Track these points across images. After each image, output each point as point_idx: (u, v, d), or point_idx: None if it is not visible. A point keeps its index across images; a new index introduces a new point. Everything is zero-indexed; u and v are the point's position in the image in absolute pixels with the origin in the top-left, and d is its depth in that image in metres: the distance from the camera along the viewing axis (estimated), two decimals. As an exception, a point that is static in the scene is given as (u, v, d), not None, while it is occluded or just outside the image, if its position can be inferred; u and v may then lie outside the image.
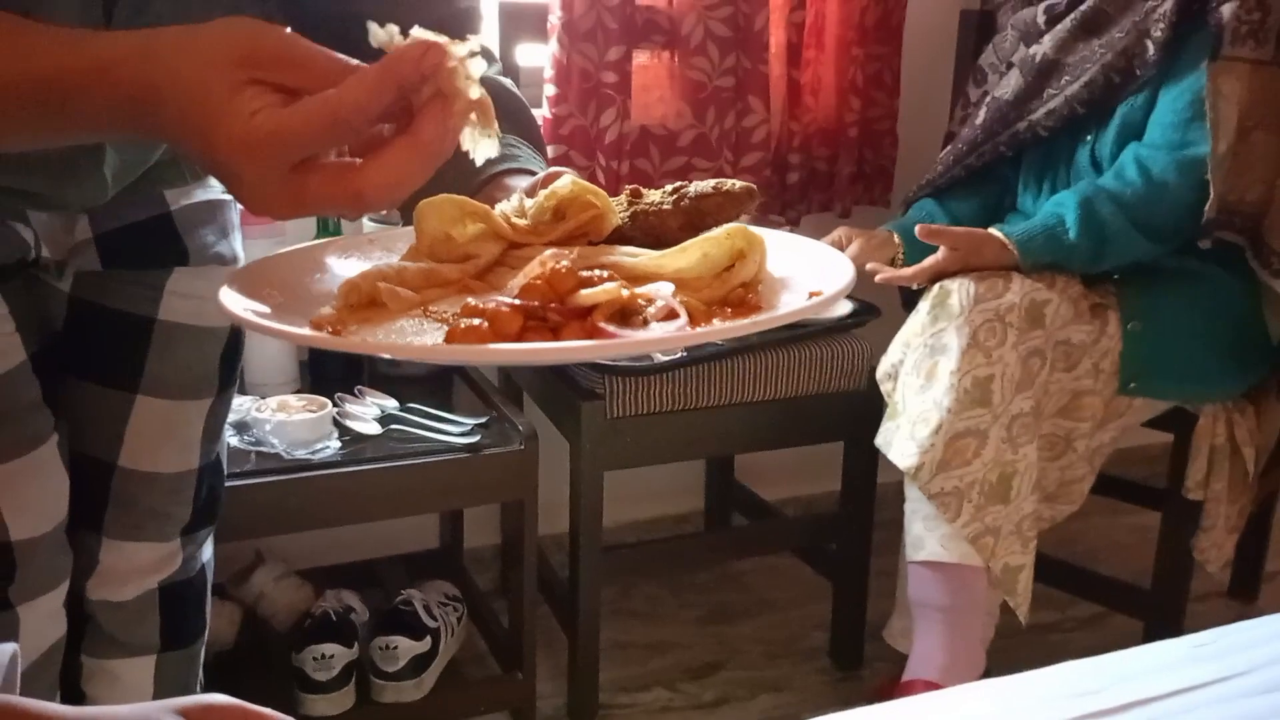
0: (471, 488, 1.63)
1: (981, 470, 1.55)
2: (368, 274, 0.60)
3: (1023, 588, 1.59)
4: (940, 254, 1.64)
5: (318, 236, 1.78)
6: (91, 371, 1.07)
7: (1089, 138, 1.74)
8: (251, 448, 1.54)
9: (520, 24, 1.92)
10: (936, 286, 1.61)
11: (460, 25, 0.88)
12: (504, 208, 0.64)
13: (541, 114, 1.91)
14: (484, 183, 0.76)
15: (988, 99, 1.84)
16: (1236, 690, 0.92)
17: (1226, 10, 1.60)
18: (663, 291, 0.55)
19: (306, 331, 0.56)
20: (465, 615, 1.88)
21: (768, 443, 1.86)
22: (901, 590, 1.73)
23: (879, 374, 1.68)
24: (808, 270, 0.61)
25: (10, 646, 0.71)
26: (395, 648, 1.68)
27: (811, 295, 0.57)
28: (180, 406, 1.10)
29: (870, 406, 1.73)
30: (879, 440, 1.65)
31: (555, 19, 1.86)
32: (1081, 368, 1.63)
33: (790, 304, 0.58)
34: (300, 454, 1.53)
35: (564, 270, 0.55)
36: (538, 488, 1.64)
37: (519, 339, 0.53)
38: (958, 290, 1.58)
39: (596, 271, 0.56)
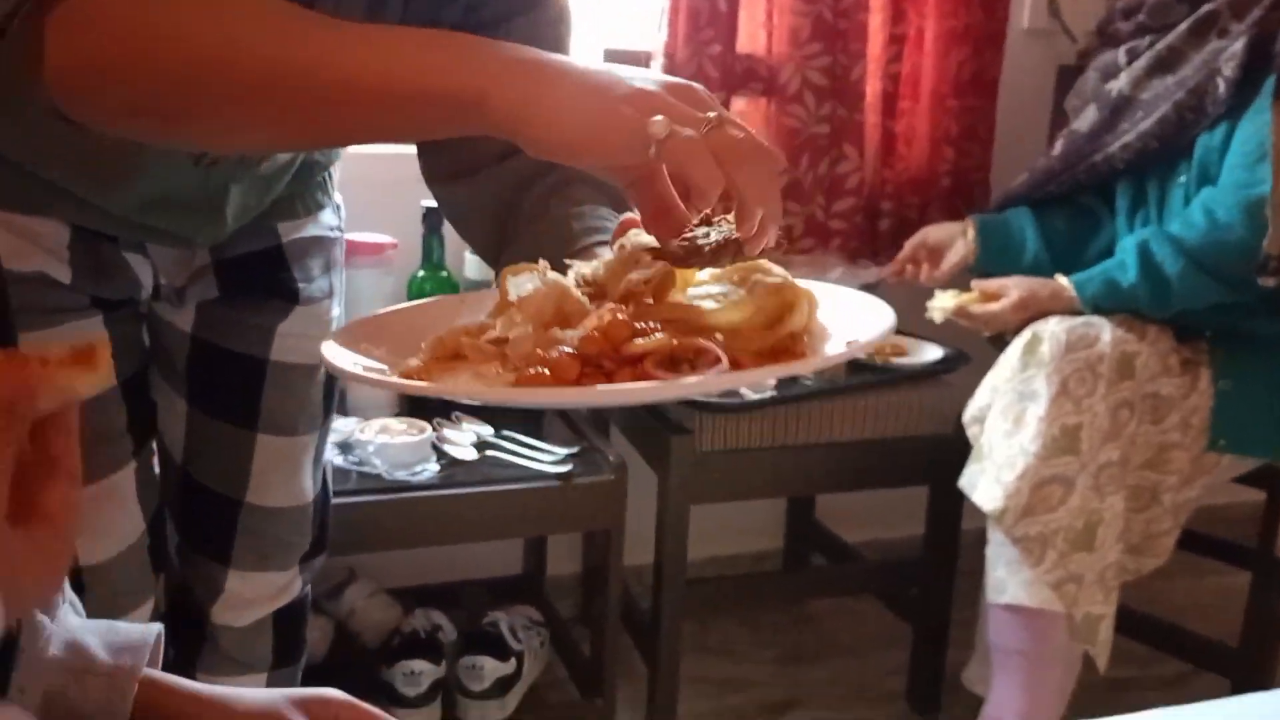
0: (562, 515, 1.67)
1: (1067, 517, 1.56)
2: (454, 329, 0.65)
3: (1103, 637, 1.59)
4: (1003, 303, 1.69)
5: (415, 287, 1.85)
6: (216, 409, 1.12)
7: (1182, 179, 1.75)
8: (354, 467, 1.61)
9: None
10: (1028, 332, 1.63)
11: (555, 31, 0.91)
12: (581, 269, 0.68)
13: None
14: (577, 254, 0.79)
15: (1064, 131, 1.87)
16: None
17: None
18: (709, 342, 0.59)
19: (396, 379, 0.63)
20: (548, 640, 1.92)
21: (852, 483, 1.89)
22: (981, 634, 1.74)
23: (966, 417, 1.70)
24: (856, 319, 0.66)
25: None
26: (481, 668, 1.73)
27: (849, 344, 0.62)
28: (296, 442, 1.16)
29: (956, 452, 1.75)
30: (963, 482, 1.66)
31: (657, 66, 1.93)
32: (1169, 421, 1.63)
33: (828, 350, 0.62)
34: (400, 475, 1.60)
35: (620, 322, 0.59)
36: (625, 518, 1.68)
37: (577, 384, 0.58)
38: (1049, 338, 1.60)
39: (651, 322, 0.60)
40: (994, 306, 1.71)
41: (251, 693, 0.78)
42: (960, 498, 1.71)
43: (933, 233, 1.90)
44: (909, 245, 1.92)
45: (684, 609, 1.81)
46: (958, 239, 1.87)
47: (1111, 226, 1.86)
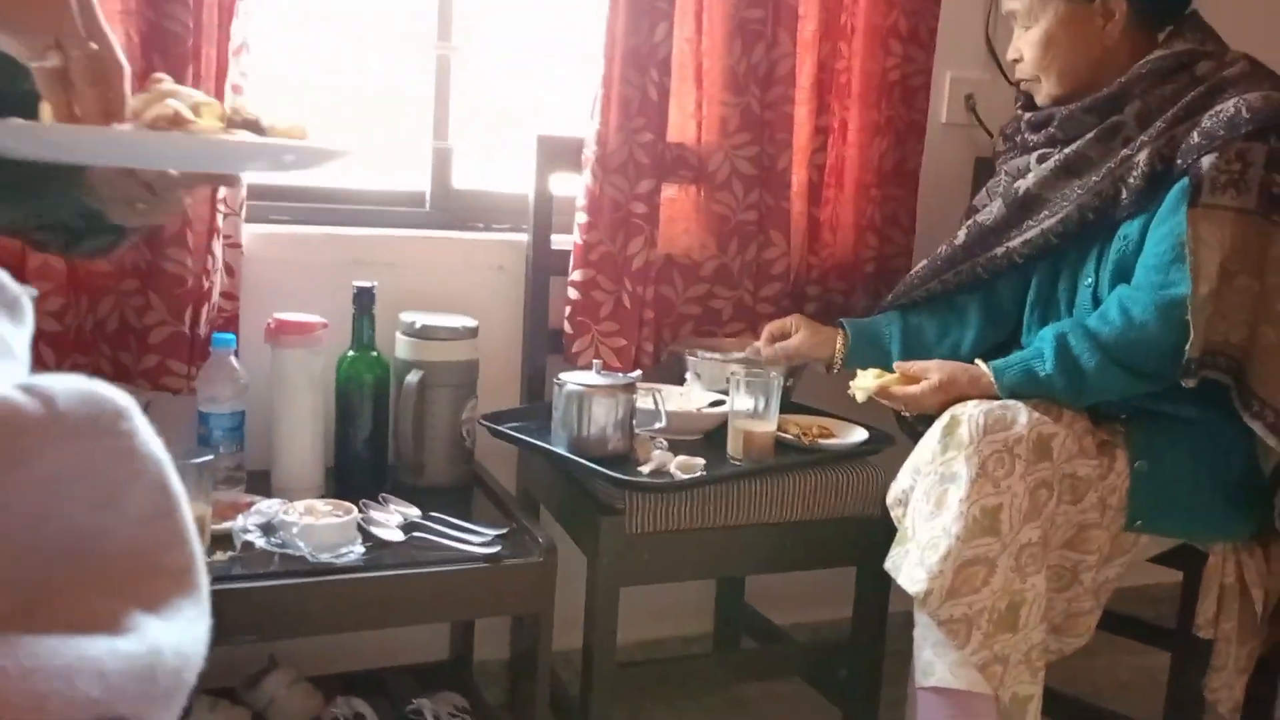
0: (491, 598, 1.65)
1: (990, 598, 1.58)
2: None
3: (1031, 718, 1.60)
4: (924, 385, 1.75)
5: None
6: None
7: (1089, 281, 1.82)
8: (278, 549, 1.58)
9: (557, 156, 2.03)
10: (947, 415, 1.66)
11: None
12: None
13: (573, 239, 2.01)
14: None
15: (969, 222, 1.94)
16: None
17: (1206, 162, 1.65)
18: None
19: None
20: (475, 729, 1.89)
21: (781, 564, 1.89)
22: (910, 716, 1.74)
23: (889, 499, 1.73)
24: None
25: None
26: (406, 756, 1.69)
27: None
28: None
29: (882, 534, 1.76)
30: (888, 565, 1.68)
31: (590, 153, 1.97)
32: (1087, 501, 1.67)
33: None
34: (325, 557, 1.57)
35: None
36: (554, 601, 1.67)
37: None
38: (966, 421, 1.63)
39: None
40: (914, 389, 1.75)
41: None
42: (887, 578, 1.73)
43: (795, 340, 1.98)
44: (770, 327, 2.01)
45: (613, 695, 1.79)
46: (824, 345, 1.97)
47: (966, 331, 1.99)
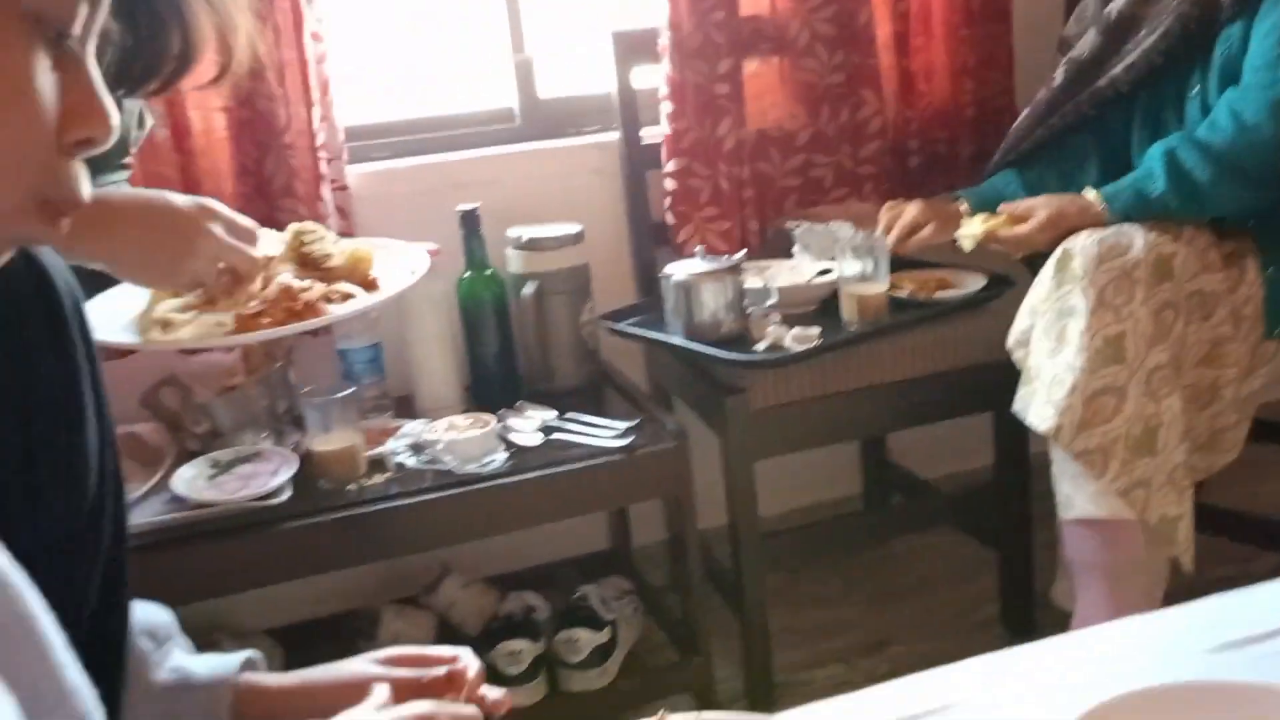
0: (629, 486, 1.74)
1: (1124, 425, 1.57)
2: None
3: (1183, 537, 1.59)
4: (1031, 223, 1.69)
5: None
6: None
7: (1195, 90, 1.73)
8: (427, 466, 1.69)
9: (634, 49, 2.04)
10: (1060, 250, 1.63)
11: None
12: None
13: (662, 130, 2.02)
14: None
15: (1065, 60, 1.86)
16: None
17: None
18: None
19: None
20: (640, 608, 1.99)
21: (910, 420, 1.91)
22: (1063, 552, 1.75)
23: (1010, 342, 1.71)
24: None
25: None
26: (577, 640, 1.81)
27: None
28: None
29: (1015, 376, 1.74)
30: (1016, 407, 1.68)
31: (665, 40, 1.97)
32: (1218, 315, 1.62)
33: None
34: (471, 468, 1.67)
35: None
36: (692, 482, 1.74)
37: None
38: (1079, 252, 1.60)
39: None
40: (1022, 228, 1.71)
41: (337, 667, 0.85)
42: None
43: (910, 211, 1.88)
44: (899, 227, 1.88)
45: (766, 561, 1.86)
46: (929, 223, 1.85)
47: (1088, 174, 1.86)
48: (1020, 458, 1.92)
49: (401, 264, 1.50)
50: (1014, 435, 1.90)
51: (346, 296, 1.41)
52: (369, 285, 1.45)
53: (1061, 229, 1.67)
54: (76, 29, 0.47)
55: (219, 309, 1.30)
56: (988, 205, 1.85)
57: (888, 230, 1.88)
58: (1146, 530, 1.60)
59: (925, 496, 2.24)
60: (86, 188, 0.52)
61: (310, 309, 1.34)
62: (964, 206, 1.87)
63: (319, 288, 1.38)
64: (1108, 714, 0.84)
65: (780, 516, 2.26)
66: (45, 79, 0.47)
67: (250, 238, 1.26)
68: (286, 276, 1.37)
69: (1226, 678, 0.88)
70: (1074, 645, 1.00)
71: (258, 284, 1.32)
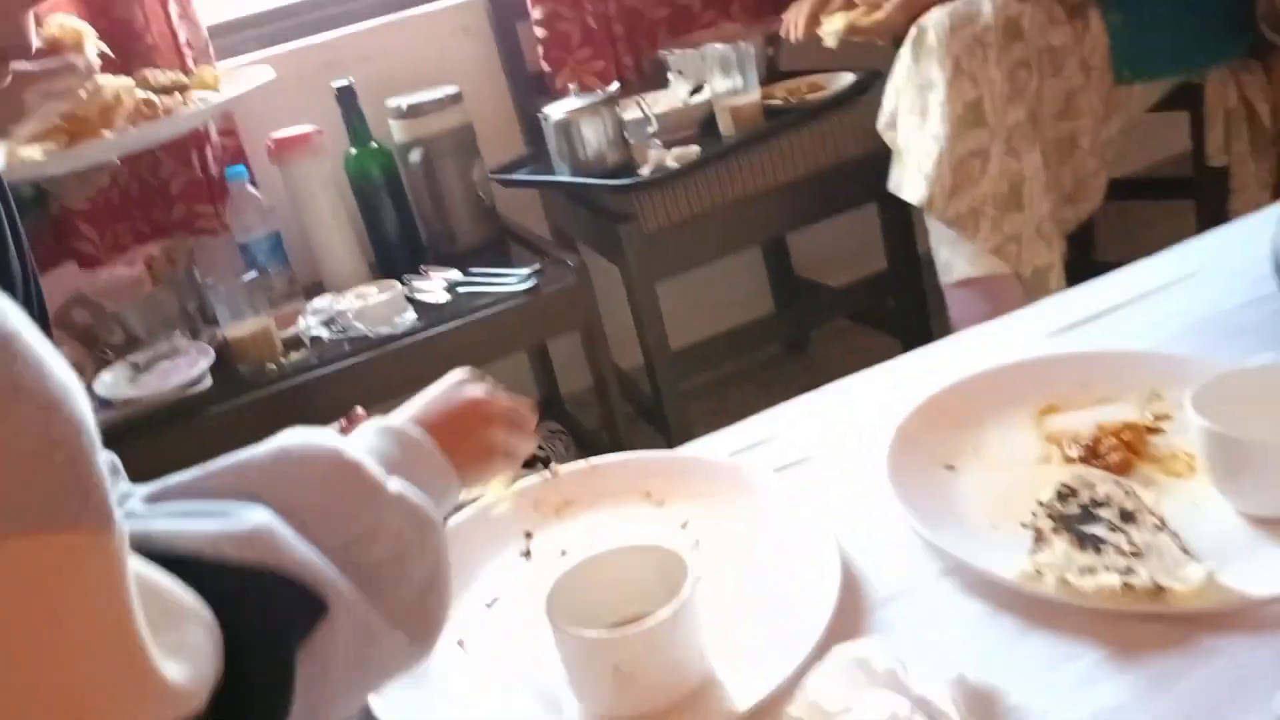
0: (538, 324, 1.80)
1: (990, 185, 1.64)
2: None
3: (1054, 286, 1.68)
4: (887, 7, 1.74)
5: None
6: None
7: None
8: (341, 336, 1.74)
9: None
10: (914, 28, 1.68)
11: None
12: None
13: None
14: None
15: None
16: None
17: None
18: None
19: None
20: (572, 446, 2.07)
21: (797, 221, 1.97)
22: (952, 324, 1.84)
23: (880, 125, 1.77)
24: None
25: None
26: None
27: None
28: None
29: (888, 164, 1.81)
30: (890, 185, 1.74)
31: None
32: (1069, 68, 1.69)
33: None
34: (384, 330, 1.73)
35: None
36: (599, 315, 1.80)
37: None
38: (933, 26, 1.64)
39: None
40: (879, 14, 1.76)
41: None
42: (909, 208, 1.79)
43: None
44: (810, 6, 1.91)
45: (681, 380, 1.93)
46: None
47: None
48: (909, 244, 2.00)
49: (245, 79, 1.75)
50: (900, 221, 1.97)
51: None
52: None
53: (918, 7, 1.71)
54: None
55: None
56: None
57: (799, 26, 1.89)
58: (1023, 283, 1.68)
59: (828, 296, 2.31)
60: (34, 40, 0.60)
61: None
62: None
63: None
64: (950, 393, 0.92)
65: (706, 343, 2.33)
66: None
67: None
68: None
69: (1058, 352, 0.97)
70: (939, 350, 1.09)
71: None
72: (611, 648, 0.68)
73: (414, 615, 0.60)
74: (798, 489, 0.87)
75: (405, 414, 0.76)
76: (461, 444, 0.73)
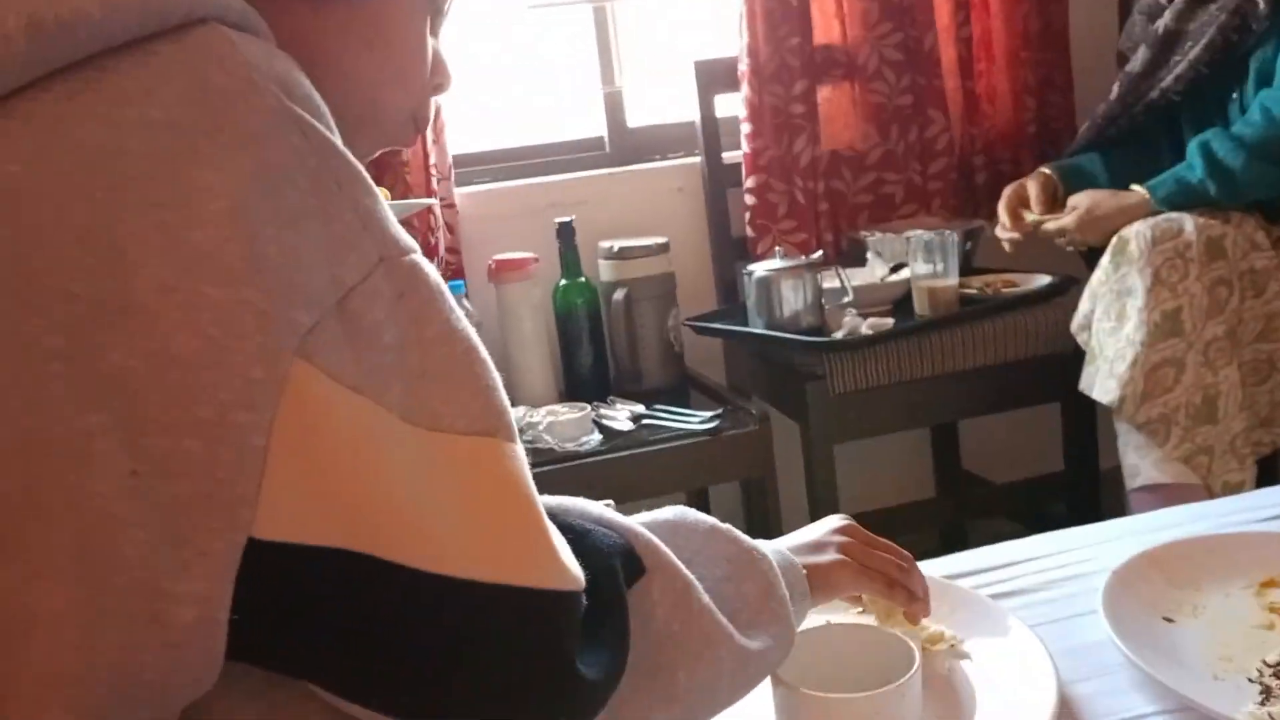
0: (716, 465, 1.86)
1: (1184, 394, 1.66)
2: None
3: (1244, 503, 1.66)
4: (1070, 214, 1.85)
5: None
6: None
7: (1235, 95, 1.85)
8: (529, 445, 1.83)
9: (715, 78, 2.22)
10: (1115, 237, 1.75)
11: None
12: None
13: (742, 151, 2.19)
14: None
15: (1120, 75, 2.00)
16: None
17: None
18: None
19: None
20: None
21: (984, 408, 2.00)
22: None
23: (1074, 327, 1.82)
24: None
25: None
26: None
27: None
28: None
29: (1079, 368, 1.84)
30: (1082, 384, 1.77)
31: (744, 67, 2.14)
32: (1270, 291, 1.72)
33: None
34: (569, 446, 1.81)
35: None
36: (774, 464, 1.85)
37: None
38: (1134, 237, 1.71)
39: None
40: (1065, 218, 1.85)
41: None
42: (1091, 412, 1.81)
43: (1017, 187, 2.03)
44: (1006, 201, 2.03)
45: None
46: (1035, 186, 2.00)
47: (1169, 157, 1.96)
48: (1088, 448, 2.01)
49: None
50: (1081, 425, 1.99)
51: None
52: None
53: (1096, 216, 1.81)
54: (447, 9, 0.69)
55: None
56: (1071, 178, 2.00)
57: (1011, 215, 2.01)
58: (1210, 496, 1.67)
59: (991, 490, 2.31)
60: (431, 114, 0.74)
61: None
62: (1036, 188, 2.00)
63: None
64: (1168, 550, 0.94)
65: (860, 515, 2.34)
66: (429, 41, 0.68)
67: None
68: None
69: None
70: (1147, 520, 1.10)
71: None
72: (833, 710, 0.70)
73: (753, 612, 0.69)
74: (1015, 611, 0.89)
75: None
76: (814, 553, 0.78)
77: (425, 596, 0.50)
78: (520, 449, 0.55)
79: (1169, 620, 0.87)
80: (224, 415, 0.46)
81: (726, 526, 0.73)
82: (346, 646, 0.50)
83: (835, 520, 0.85)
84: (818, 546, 0.80)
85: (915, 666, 0.71)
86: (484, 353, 0.54)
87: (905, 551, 0.84)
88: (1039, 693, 0.77)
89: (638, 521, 0.68)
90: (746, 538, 0.73)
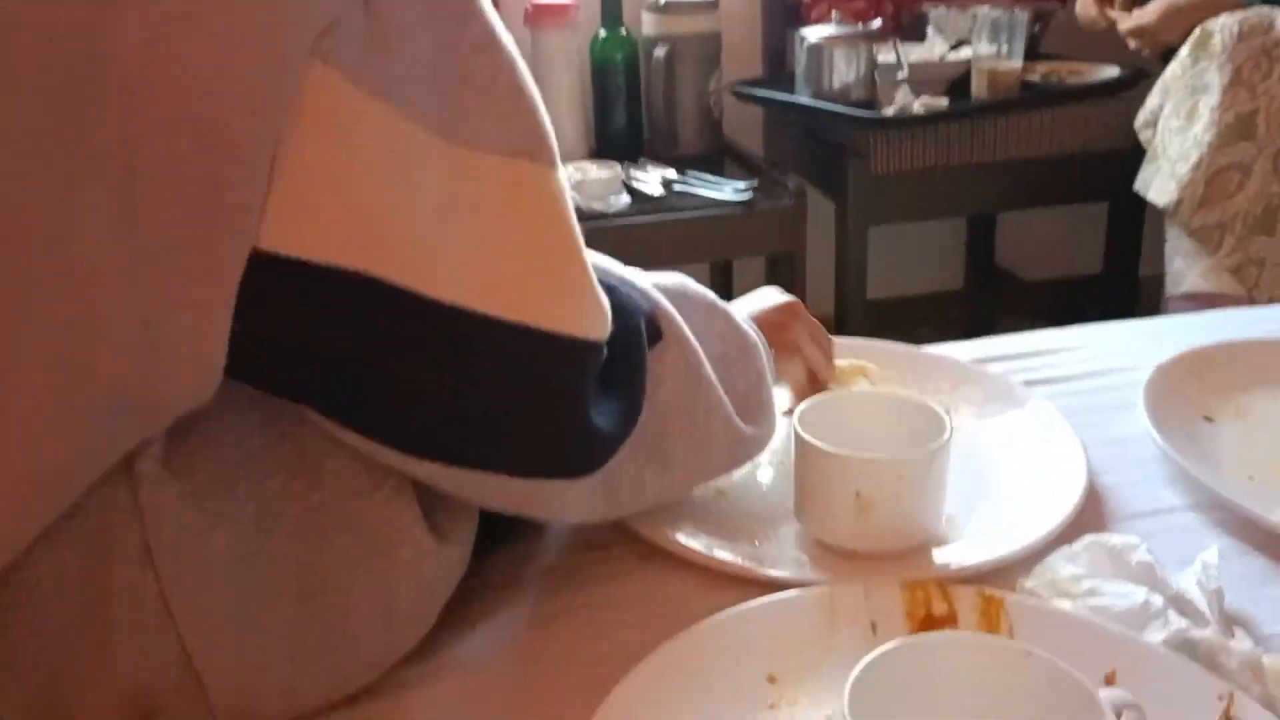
0: (749, 238, 1.80)
1: (1245, 203, 1.58)
2: None
3: (1288, 321, 1.61)
4: (1150, 11, 1.70)
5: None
6: None
7: None
8: (556, 201, 1.77)
9: None
10: (1199, 29, 1.62)
11: None
12: None
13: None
14: None
15: None
16: None
17: None
18: None
19: None
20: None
21: (1031, 200, 1.93)
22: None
23: (1138, 122, 1.72)
24: None
25: None
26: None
27: None
28: None
29: (1137, 168, 1.75)
30: (1138, 184, 1.69)
31: None
32: (1357, 102, 1.61)
33: None
34: (597, 206, 1.75)
35: None
36: (805, 241, 1.80)
37: None
38: (1219, 30, 1.59)
39: None
40: (1146, 11, 1.71)
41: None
42: (1139, 215, 1.73)
43: None
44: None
45: (865, 328, 1.91)
46: None
47: None
48: (1130, 254, 1.94)
49: None
50: (1127, 229, 1.91)
51: None
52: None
53: (1182, 10, 1.66)
54: None
55: None
56: None
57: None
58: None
59: (1021, 287, 2.26)
60: None
61: None
62: None
63: None
64: (1216, 349, 0.90)
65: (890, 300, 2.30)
66: None
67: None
68: None
69: None
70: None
71: None
72: (859, 470, 0.68)
73: (741, 400, 0.66)
74: (1046, 400, 0.86)
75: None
76: (774, 336, 0.75)
77: (439, 329, 0.47)
78: (564, 178, 0.50)
79: (1209, 420, 0.84)
80: (226, 117, 0.42)
81: (722, 304, 0.69)
82: (349, 373, 0.48)
83: (777, 294, 0.82)
84: (778, 326, 0.77)
85: (948, 433, 0.68)
86: (527, 71, 0.49)
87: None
88: (1066, 481, 0.75)
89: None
90: (738, 317, 0.69)
